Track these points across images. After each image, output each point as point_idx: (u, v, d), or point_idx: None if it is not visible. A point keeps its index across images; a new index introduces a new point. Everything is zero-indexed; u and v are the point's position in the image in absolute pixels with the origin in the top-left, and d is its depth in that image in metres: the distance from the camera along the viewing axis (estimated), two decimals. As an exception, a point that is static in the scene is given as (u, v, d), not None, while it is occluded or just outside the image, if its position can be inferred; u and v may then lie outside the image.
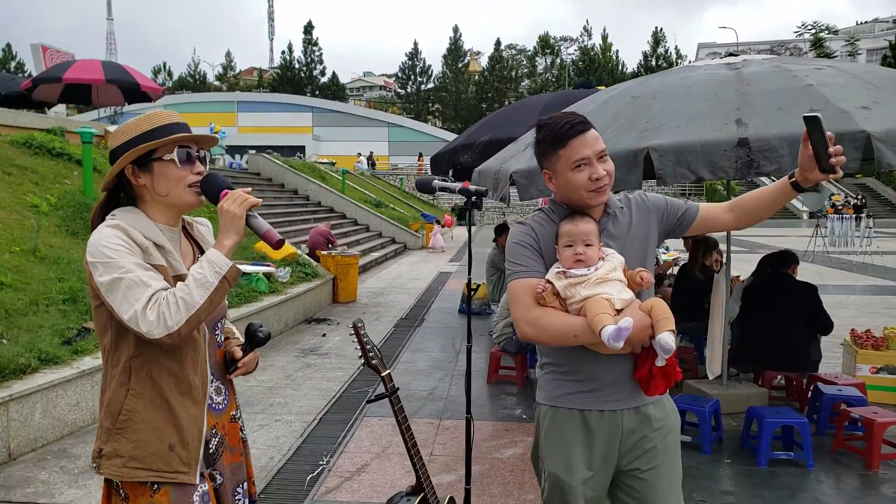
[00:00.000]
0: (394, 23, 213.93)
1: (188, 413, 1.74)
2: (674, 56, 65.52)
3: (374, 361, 2.39)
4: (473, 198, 2.82)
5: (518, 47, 74.15)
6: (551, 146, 1.95)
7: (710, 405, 4.49)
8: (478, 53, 75.20)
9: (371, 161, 34.88)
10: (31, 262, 5.76)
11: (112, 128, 12.05)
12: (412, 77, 66.68)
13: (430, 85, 67.33)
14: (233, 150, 29.19)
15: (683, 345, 6.53)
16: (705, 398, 4.67)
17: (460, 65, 66.14)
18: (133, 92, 15.86)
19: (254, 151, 20.39)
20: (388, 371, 2.41)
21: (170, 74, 63.94)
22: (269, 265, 8.43)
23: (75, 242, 6.65)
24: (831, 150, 1.85)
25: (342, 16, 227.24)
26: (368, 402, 2.57)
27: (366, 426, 4.84)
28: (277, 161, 18.38)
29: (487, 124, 7.57)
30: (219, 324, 1.90)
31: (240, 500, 1.89)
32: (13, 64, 52.23)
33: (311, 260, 9.88)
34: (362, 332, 2.40)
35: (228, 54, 79.11)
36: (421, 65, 66.75)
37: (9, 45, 54.03)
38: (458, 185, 2.83)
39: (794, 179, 1.95)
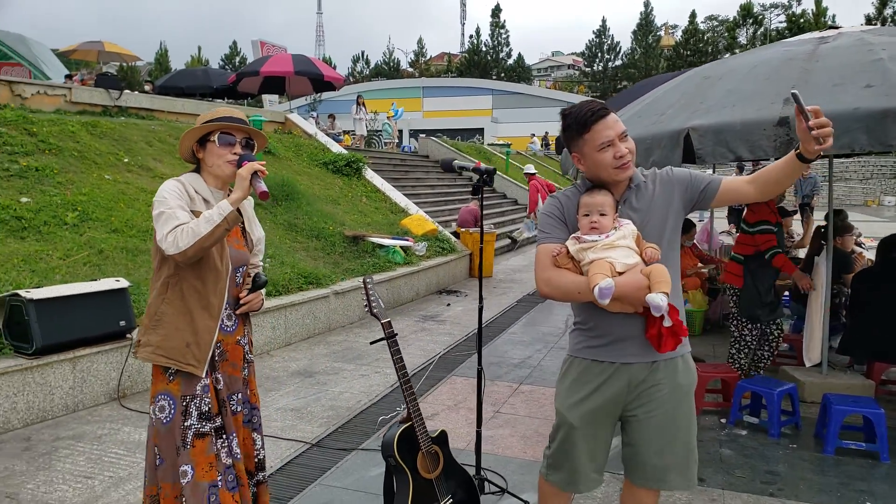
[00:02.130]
0: (584, 1, 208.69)
1: (204, 323, 2.38)
2: (904, 18, 57.08)
3: (375, 311, 2.89)
4: (484, 175, 3.19)
5: (719, 18, 69.19)
6: (577, 132, 2.21)
7: (782, 389, 4.41)
8: (673, 27, 71.35)
9: (545, 141, 34.96)
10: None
11: (292, 115, 13.62)
12: (599, 55, 65.01)
13: (618, 62, 65.17)
14: (417, 133, 30.83)
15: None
16: (779, 381, 4.58)
17: (650, 39, 63.25)
18: (318, 82, 17.62)
19: (424, 136, 21.59)
20: (387, 319, 2.90)
21: (367, 63, 68.39)
22: (407, 239, 9.23)
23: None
24: (811, 122, 1.97)
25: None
26: (372, 343, 3.07)
27: (450, 383, 5.37)
28: (445, 144, 19.37)
29: (613, 103, 7.68)
30: (241, 269, 2.54)
31: (234, 405, 2.51)
32: (237, 59, 59.12)
33: (451, 236, 10.56)
34: (370, 286, 2.92)
35: (420, 41, 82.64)
36: (609, 42, 64.80)
37: (234, 42, 61.29)
38: (472, 164, 3.23)
39: (798, 152, 2.06)
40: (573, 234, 2.24)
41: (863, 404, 4.20)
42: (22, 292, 4.42)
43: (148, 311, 2.41)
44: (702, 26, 64.54)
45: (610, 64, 65.65)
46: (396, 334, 2.90)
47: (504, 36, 63.96)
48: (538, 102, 45.24)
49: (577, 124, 2.19)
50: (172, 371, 2.37)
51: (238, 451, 2.47)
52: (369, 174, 11.98)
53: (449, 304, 8.46)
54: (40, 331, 4.36)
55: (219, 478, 2.37)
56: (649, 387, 2.24)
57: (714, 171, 8.40)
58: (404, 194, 11.99)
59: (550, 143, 36.15)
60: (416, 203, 11.96)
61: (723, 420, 4.63)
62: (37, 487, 3.52)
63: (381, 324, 2.90)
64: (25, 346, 4.38)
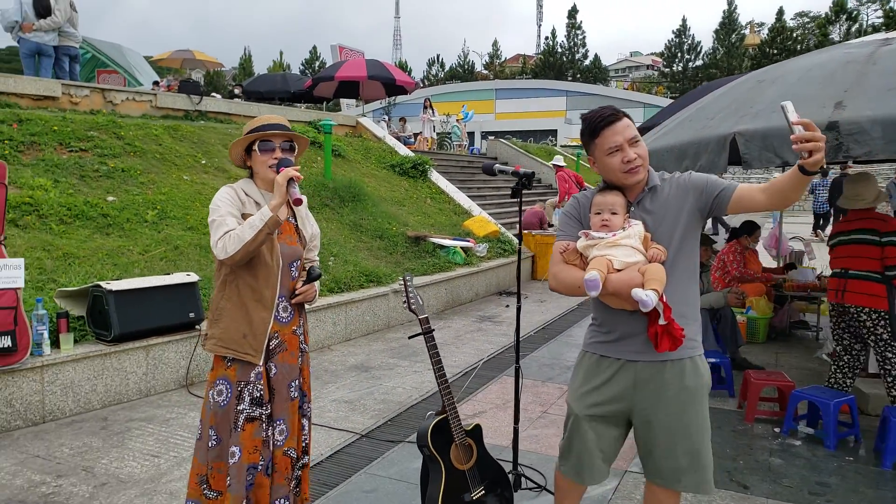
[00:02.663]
0: (664, 1, 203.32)
1: (259, 315, 2.58)
2: None
3: (413, 307, 3.03)
4: (523, 179, 3.28)
5: (810, 14, 66.16)
6: (589, 136, 2.33)
7: (839, 400, 4.28)
8: (759, 25, 68.73)
9: (620, 144, 34.42)
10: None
11: (363, 119, 13.98)
12: (679, 55, 63.29)
13: (699, 62, 63.23)
14: (488, 135, 31.00)
15: None
16: (837, 392, 4.44)
17: (734, 38, 61.06)
18: (391, 86, 18.00)
19: (493, 137, 21.69)
20: (425, 315, 3.04)
21: (442, 66, 69.05)
22: (468, 240, 9.36)
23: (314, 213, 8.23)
24: (792, 136, 1.93)
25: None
26: (410, 338, 3.19)
27: (501, 383, 5.46)
28: (514, 146, 19.40)
29: (675, 106, 7.58)
30: (295, 263, 2.74)
31: (293, 392, 2.70)
32: (317, 63, 60.84)
33: (513, 237, 10.61)
34: (409, 283, 3.06)
35: (495, 43, 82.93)
36: (689, 41, 63.01)
37: (314, 47, 63.15)
38: (511, 168, 3.32)
39: (799, 164, 1.99)
40: (582, 231, 2.33)
41: (925, 419, 4.02)
42: (103, 283, 4.80)
43: (211, 307, 2.65)
44: (790, 23, 61.75)
45: (690, 64, 63.74)
46: (433, 329, 3.02)
47: (580, 37, 63.25)
48: (613, 103, 43.89)
49: (588, 129, 2.29)
50: (230, 358, 2.58)
51: (280, 438, 2.65)
52: (434, 176, 12.19)
53: (508, 306, 8.54)
54: (118, 319, 4.73)
55: (260, 462, 2.56)
56: (655, 387, 2.28)
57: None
58: (469, 196, 12.13)
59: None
60: (482, 205, 12.07)
61: (776, 429, 4.53)
62: (110, 462, 3.85)
63: (419, 319, 3.04)
64: (105, 334, 4.76)
